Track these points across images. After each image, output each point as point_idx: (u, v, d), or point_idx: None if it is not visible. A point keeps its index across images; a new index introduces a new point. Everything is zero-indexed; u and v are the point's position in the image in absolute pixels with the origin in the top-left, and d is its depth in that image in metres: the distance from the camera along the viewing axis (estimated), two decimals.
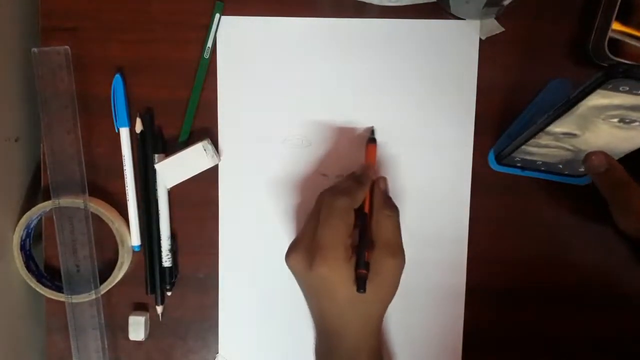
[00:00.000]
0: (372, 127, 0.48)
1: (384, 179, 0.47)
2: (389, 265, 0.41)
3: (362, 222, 0.43)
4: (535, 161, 0.45)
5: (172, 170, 0.47)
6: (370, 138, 0.47)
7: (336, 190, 0.42)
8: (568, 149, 0.42)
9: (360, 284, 0.40)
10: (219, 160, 0.48)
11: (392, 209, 0.44)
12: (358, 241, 0.42)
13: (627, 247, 0.48)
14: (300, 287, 0.43)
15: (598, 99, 0.36)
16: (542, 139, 0.41)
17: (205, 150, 0.47)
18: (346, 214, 0.41)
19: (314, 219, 0.42)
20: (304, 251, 0.41)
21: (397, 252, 0.42)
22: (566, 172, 0.46)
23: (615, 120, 0.38)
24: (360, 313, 0.41)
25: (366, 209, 0.44)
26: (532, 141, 0.42)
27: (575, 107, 0.37)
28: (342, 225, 0.40)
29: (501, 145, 0.47)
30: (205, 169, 0.48)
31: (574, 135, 0.40)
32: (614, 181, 0.42)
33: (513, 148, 0.44)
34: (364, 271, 0.40)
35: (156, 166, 0.47)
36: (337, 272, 0.40)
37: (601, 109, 0.37)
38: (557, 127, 0.40)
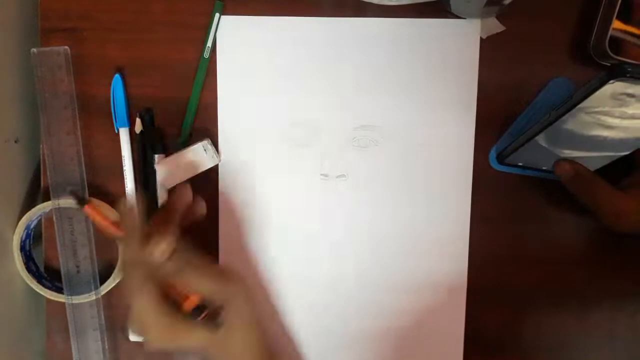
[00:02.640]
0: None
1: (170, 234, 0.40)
2: (226, 294, 0.40)
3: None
4: (543, 159, 0.44)
5: (172, 171, 0.47)
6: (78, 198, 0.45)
7: (129, 262, 0.39)
8: None
9: (194, 315, 0.38)
10: (219, 160, 0.48)
11: (178, 257, 0.40)
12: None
13: (628, 247, 0.48)
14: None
15: None
16: (631, 107, 0.37)
17: (205, 150, 0.47)
18: (146, 279, 0.38)
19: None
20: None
21: (229, 281, 0.40)
22: None
23: None
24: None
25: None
26: (616, 109, 0.37)
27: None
28: (148, 290, 0.38)
29: (502, 144, 0.47)
30: (205, 169, 0.48)
31: None
32: (583, 187, 0.43)
33: (515, 147, 0.44)
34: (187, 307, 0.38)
35: (156, 166, 0.47)
36: (168, 339, 0.38)
37: None
38: None
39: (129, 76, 0.48)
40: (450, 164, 0.48)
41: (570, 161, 0.43)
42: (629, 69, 0.34)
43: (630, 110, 0.38)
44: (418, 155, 0.48)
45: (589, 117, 0.39)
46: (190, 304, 0.39)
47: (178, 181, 0.48)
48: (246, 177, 0.49)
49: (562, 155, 0.44)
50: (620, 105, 0.37)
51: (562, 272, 0.49)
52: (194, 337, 0.39)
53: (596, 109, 0.38)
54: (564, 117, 0.39)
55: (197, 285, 0.39)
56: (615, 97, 0.37)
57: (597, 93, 0.36)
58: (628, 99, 0.36)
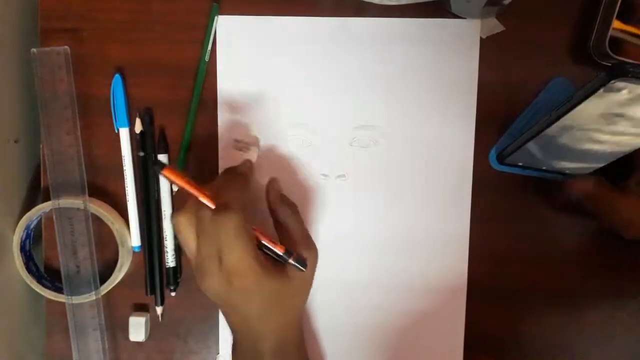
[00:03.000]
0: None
1: (276, 180, 0.48)
2: (308, 258, 0.42)
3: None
4: (542, 160, 0.45)
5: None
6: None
7: (223, 206, 0.39)
8: None
9: (300, 264, 0.41)
10: (258, 142, 0.48)
11: (290, 206, 0.45)
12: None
13: (629, 248, 0.48)
14: (219, 306, 0.43)
15: None
16: (620, 125, 0.39)
17: (240, 150, 0.47)
18: (243, 228, 0.39)
19: (209, 239, 0.39)
20: (217, 273, 0.39)
21: (310, 245, 0.44)
22: (567, 172, 0.46)
23: None
24: (278, 310, 0.41)
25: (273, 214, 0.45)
26: (606, 127, 0.39)
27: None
28: (245, 237, 0.38)
29: (503, 144, 0.47)
30: (255, 159, 0.48)
31: None
32: (602, 202, 0.43)
33: (515, 147, 0.44)
34: (282, 250, 0.41)
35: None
36: (255, 282, 0.39)
37: None
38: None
39: (129, 76, 0.48)
40: (450, 164, 0.48)
41: (586, 178, 0.44)
42: (630, 69, 0.34)
43: (619, 128, 0.39)
44: (418, 155, 0.48)
45: (580, 134, 0.40)
46: (282, 247, 0.41)
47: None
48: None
49: (556, 166, 0.45)
50: (609, 124, 0.39)
51: (562, 272, 0.49)
52: (284, 277, 0.41)
53: (588, 127, 0.39)
54: (556, 131, 0.39)
55: (293, 227, 0.44)
56: (604, 117, 0.38)
57: (588, 112, 0.37)
58: (616, 118, 0.38)
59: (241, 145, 0.47)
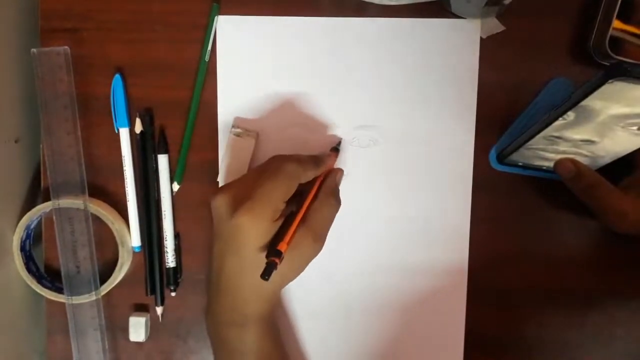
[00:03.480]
0: (341, 139, 0.48)
1: (341, 172, 0.47)
2: (308, 246, 0.41)
3: (303, 199, 0.42)
4: (541, 165, 0.45)
5: (233, 174, 0.47)
6: (334, 147, 0.48)
7: (292, 157, 0.42)
8: (586, 155, 0.43)
9: (267, 270, 0.38)
10: (257, 133, 0.48)
11: (336, 200, 0.44)
12: (289, 214, 0.41)
13: (628, 247, 0.48)
14: (215, 232, 0.42)
15: (619, 108, 0.36)
16: (561, 146, 0.42)
17: (239, 135, 0.47)
18: (290, 179, 0.40)
19: (256, 172, 0.41)
20: (232, 196, 0.40)
21: (320, 239, 0.42)
22: None
23: (635, 128, 0.39)
24: (258, 279, 0.38)
25: (313, 189, 0.44)
26: (550, 147, 0.42)
27: (595, 114, 0.37)
28: (282, 187, 0.40)
29: (502, 144, 0.47)
30: (253, 148, 0.47)
31: (593, 142, 0.41)
32: (584, 186, 0.44)
33: (514, 147, 0.44)
34: (276, 260, 0.38)
35: (219, 179, 0.48)
36: (256, 227, 0.39)
37: (621, 117, 0.37)
38: (576, 134, 0.40)
39: (129, 76, 0.48)
40: (450, 164, 0.48)
41: (573, 160, 0.44)
42: (629, 69, 0.34)
43: (561, 148, 0.43)
44: (418, 155, 0.48)
45: (529, 152, 0.44)
46: (283, 245, 0.39)
47: (244, 172, 0.48)
48: None
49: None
50: (552, 144, 0.42)
51: (562, 272, 0.49)
52: (255, 231, 0.39)
53: (534, 147, 0.43)
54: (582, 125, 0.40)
55: (322, 217, 0.42)
56: (547, 138, 0.41)
57: (534, 138, 0.41)
58: (557, 140, 0.41)
59: (239, 131, 0.47)
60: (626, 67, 0.34)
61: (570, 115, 0.38)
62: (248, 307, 0.41)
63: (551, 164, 0.45)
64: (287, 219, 0.41)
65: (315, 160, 0.44)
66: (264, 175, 0.40)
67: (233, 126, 0.48)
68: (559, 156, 0.43)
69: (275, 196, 0.39)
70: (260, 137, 0.48)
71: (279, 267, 0.38)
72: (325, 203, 0.43)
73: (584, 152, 0.42)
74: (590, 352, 0.49)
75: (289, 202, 0.41)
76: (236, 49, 0.48)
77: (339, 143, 0.48)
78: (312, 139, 0.49)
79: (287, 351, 0.47)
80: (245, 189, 0.40)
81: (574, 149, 0.42)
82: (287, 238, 0.39)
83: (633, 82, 0.34)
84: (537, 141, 0.42)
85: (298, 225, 0.41)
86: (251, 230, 0.39)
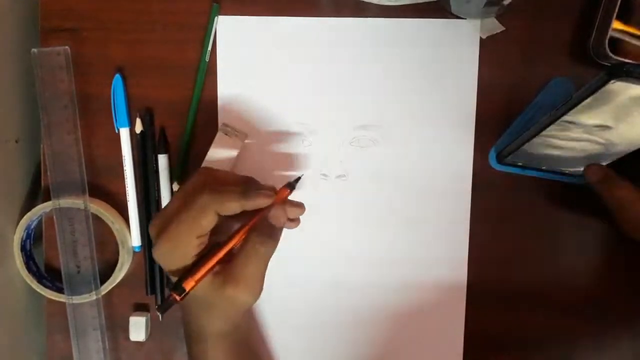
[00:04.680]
0: (301, 176, 0.43)
1: (282, 209, 0.40)
2: (233, 296, 0.39)
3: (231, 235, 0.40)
4: (542, 160, 0.45)
5: (214, 167, 0.47)
6: (289, 183, 0.42)
7: (210, 187, 0.39)
8: (599, 143, 0.42)
9: (163, 306, 0.39)
10: (246, 135, 0.48)
11: (267, 244, 0.39)
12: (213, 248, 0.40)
13: (628, 248, 0.48)
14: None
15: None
16: (573, 132, 0.41)
17: (227, 134, 0.46)
18: (202, 212, 0.38)
19: (180, 197, 0.40)
20: (158, 225, 0.39)
21: (252, 291, 0.40)
22: (567, 172, 0.46)
23: None
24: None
25: (238, 232, 0.40)
26: (561, 134, 0.41)
27: (614, 94, 0.36)
28: (194, 221, 0.38)
29: (502, 144, 0.47)
30: (239, 150, 0.47)
31: (608, 127, 0.40)
32: (611, 190, 0.43)
33: (514, 147, 0.44)
34: (176, 297, 0.38)
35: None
36: (170, 257, 0.39)
37: None
38: (591, 119, 0.39)
39: (129, 76, 0.48)
40: (450, 164, 0.48)
41: (600, 165, 0.44)
42: (630, 69, 0.34)
43: (573, 134, 0.41)
44: (418, 155, 0.48)
45: (539, 140, 0.42)
46: (189, 283, 0.38)
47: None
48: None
49: (557, 166, 0.45)
50: (564, 130, 0.40)
51: (562, 272, 0.49)
52: (170, 263, 0.39)
53: (545, 133, 0.41)
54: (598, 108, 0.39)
55: (252, 269, 0.39)
56: (559, 124, 0.39)
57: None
58: (569, 125, 0.40)
59: (228, 130, 0.47)
60: (628, 68, 0.34)
61: (587, 98, 0.37)
62: (201, 324, 0.42)
63: (560, 153, 0.44)
64: (209, 252, 0.39)
65: (244, 192, 0.39)
66: (186, 205, 0.38)
67: (223, 124, 0.48)
68: (569, 144, 0.42)
69: (188, 229, 0.38)
70: (259, 138, 0.48)
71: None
72: (250, 246, 0.39)
73: (597, 138, 0.41)
74: (591, 352, 0.49)
75: (223, 232, 0.40)
76: (236, 49, 0.48)
77: (297, 180, 0.43)
78: (312, 138, 0.48)
79: None
80: (171, 213, 0.39)
81: (586, 136, 0.41)
82: (196, 275, 0.38)
83: (634, 83, 0.34)
84: (547, 130, 0.41)
85: (220, 265, 0.39)
86: (168, 260, 0.39)
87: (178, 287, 0.38)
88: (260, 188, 0.41)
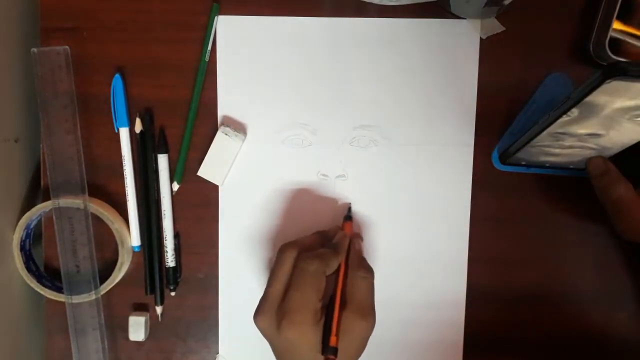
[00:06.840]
0: (350, 204, 0.48)
1: (359, 240, 0.47)
2: (359, 327, 0.41)
3: (335, 284, 0.43)
4: (546, 162, 0.45)
5: (214, 169, 0.48)
6: (346, 216, 0.48)
7: (312, 255, 0.42)
8: (592, 148, 0.42)
9: (326, 349, 0.40)
10: (245, 135, 0.48)
11: (367, 271, 0.44)
12: (328, 302, 0.42)
13: (629, 249, 0.48)
14: (270, 346, 0.43)
15: (624, 101, 0.36)
16: (567, 141, 0.41)
17: (227, 134, 0.47)
18: (318, 279, 0.41)
19: (281, 278, 0.42)
20: (272, 313, 0.41)
21: (369, 314, 0.42)
22: (571, 167, 0.46)
23: None
24: None
25: (341, 271, 0.44)
26: (555, 144, 0.42)
27: (599, 108, 0.37)
28: (313, 290, 0.41)
29: (504, 144, 0.47)
30: (239, 150, 0.48)
31: (599, 135, 0.40)
32: (609, 186, 0.43)
33: (516, 148, 0.44)
34: (333, 358, 0.40)
35: (199, 173, 0.48)
36: (304, 336, 0.40)
37: (627, 110, 0.37)
38: (581, 129, 0.40)
39: (129, 76, 0.48)
40: (450, 164, 0.48)
41: (604, 158, 0.43)
42: (627, 68, 0.34)
43: (567, 143, 0.42)
44: (418, 155, 0.48)
45: (534, 150, 0.43)
46: (333, 340, 0.40)
47: (225, 175, 0.48)
48: (246, 177, 0.49)
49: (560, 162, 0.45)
50: (557, 140, 0.41)
51: (562, 272, 0.49)
52: (305, 340, 0.40)
53: (539, 144, 0.42)
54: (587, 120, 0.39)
55: (361, 293, 0.43)
56: (552, 135, 0.40)
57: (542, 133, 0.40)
58: (562, 136, 0.41)
59: (228, 130, 0.47)
60: (626, 67, 0.34)
61: (574, 112, 0.38)
62: None
63: (557, 160, 0.44)
64: (328, 310, 0.42)
65: (335, 248, 0.44)
66: (292, 284, 0.41)
67: (223, 124, 0.48)
68: (565, 151, 0.43)
69: (308, 302, 0.40)
70: (259, 138, 0.48)
71: (343, 356, 0.40)
72: (357, 279, 0.43)
73: (591, 145, 0.42)
74: (591, 352, 0.49)
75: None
76: (236, 49, 0.48)
77: (349, 209, 0.48)
78: (312, 138, 0.48)
79: None
80: (278, 301, 0.41)
81: (579, 143, 0.42)
82: (334, 330, 0.40)
83: (631, 81, 0.34)
84: (542, 138, 0.42)
85: (340, 312, 0.41)
86: (299, 340, 0.40)
87: (330, 350, 0.40)
88: (331, 235, 0.46)
